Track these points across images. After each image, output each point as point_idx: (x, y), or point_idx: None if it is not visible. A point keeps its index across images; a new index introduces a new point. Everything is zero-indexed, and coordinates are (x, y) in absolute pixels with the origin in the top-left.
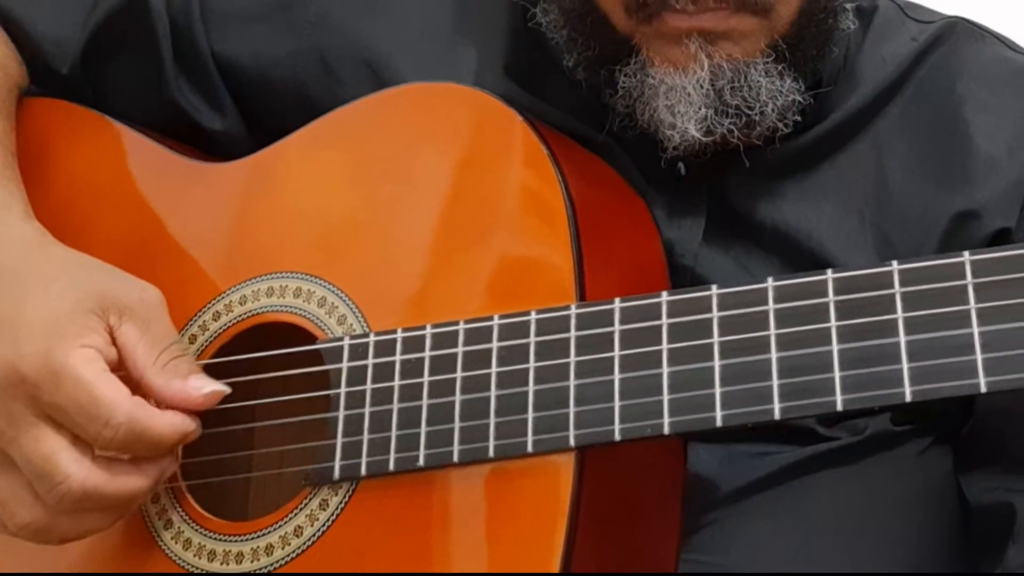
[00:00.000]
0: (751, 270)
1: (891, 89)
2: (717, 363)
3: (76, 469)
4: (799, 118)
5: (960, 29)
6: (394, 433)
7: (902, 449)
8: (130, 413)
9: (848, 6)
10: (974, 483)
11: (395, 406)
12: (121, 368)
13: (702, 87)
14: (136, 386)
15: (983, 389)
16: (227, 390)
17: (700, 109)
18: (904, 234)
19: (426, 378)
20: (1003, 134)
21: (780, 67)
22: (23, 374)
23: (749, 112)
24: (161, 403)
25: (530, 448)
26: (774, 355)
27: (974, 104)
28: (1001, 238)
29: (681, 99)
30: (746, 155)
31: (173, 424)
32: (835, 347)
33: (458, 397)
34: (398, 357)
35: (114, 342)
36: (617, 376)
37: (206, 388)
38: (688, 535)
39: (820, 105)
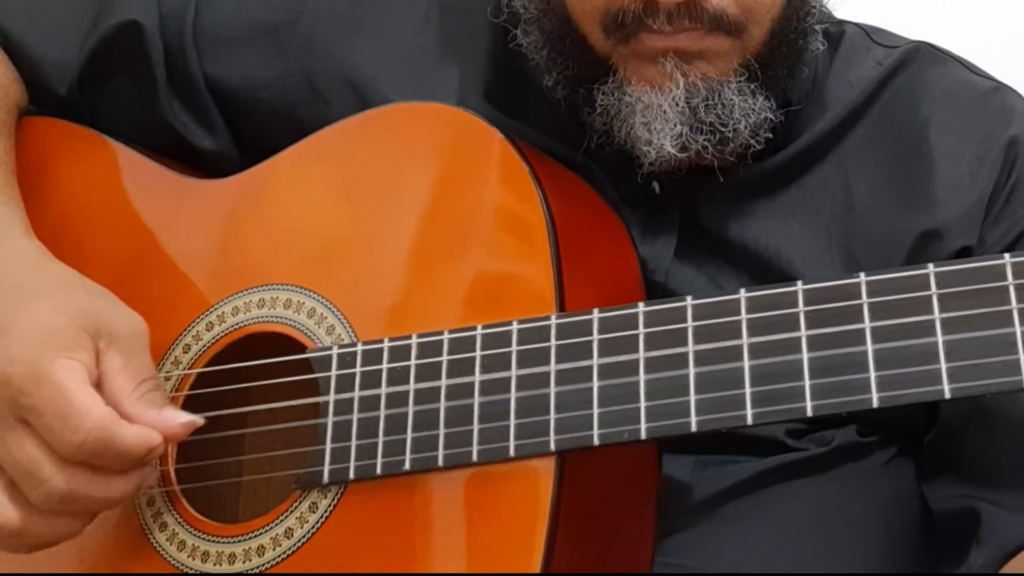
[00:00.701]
0: (721, 286)
1: (857, 112)
2: (692, 371)
3: (60, 468)
4: (771, 135)
5: (924, 53)
6: (381, 439)
7: (868, 459)
8: (100, 420)
9: (817, 28)
10: (937, 491)
11: (382, 412)
12: (99, 389)
13: (677, 105)
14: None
15: (947, 395)
16: (201, 422)
17: (676, 126)
18: (870, 252)
19: (412, 385)
20: (965, 156)
21: (752, 86)
22: (9, 377)
23: (723, 129)
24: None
25: (512, 453)
26: (746, 363)
27: (937, 127)
28: (963, 256)
29: (657, 116)
30: (715, 176)
31: (140, 436)
32: (805, 355)
33: (443, 404)
34: (385, 365)
35: (97, 364)
36: (596, 383)
37: (180, 419)
38: (662, 538)
39: (789, 127)
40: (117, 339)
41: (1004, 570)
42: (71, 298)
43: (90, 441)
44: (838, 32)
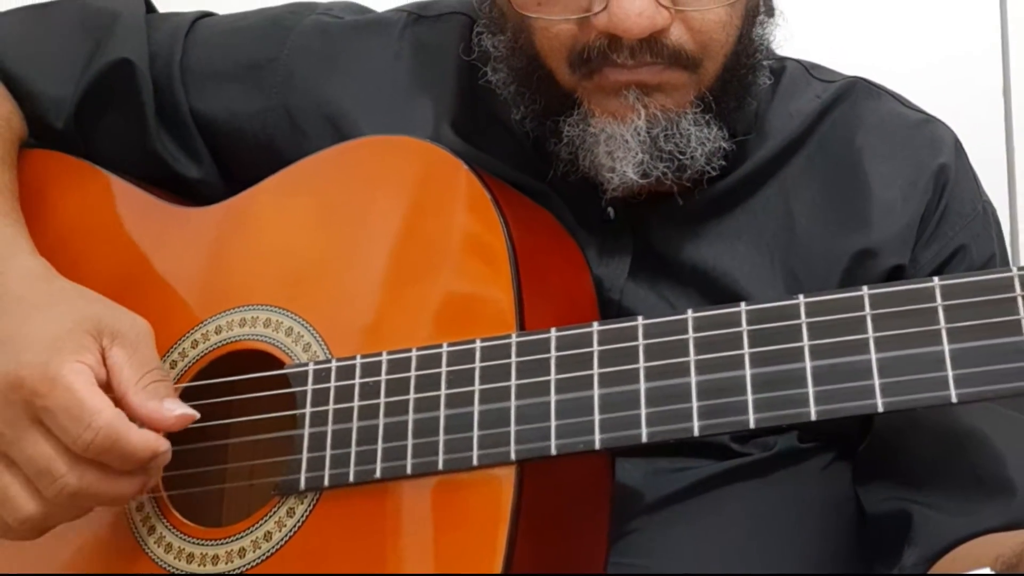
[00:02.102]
0: (672, 304)
1: (798, 141)
2: (642, 386)
3: (73, 465)
4: (724, 162)
5: (859, 88)
6: (353, 448)
7: (807, 464)
8: (110, 421)
9: (765, 63)
10: (871, 494)
11: (354, 424)
12: (108, 388)
13: (639, 135)
14: (118, 403)
15: (880, 409)
16: (196, 415)
17: (637, 154)
18: (810, 271)
19: (382, 399)
20: (898, 181)
21: (707, 117)
22: (22, 380)
23: (681, 157)
24: (137, 419)
25: (475, 462)
26: (693, 379)
27: (872, 155)
28: (896, 274)
29: (620, 146)
30: (667, 203)
31: (147, 440)
32: (748, 371)
33: (411, 416)
34: (357, 381)
35: (104, 363)
36: (553, 397)
37: (177, 411)
38: (616, 540)
39: (735, 155)
40: (120, 336)
41: (934, 569)
42: (73, 306)
43: (100, 439)
44: (779, 67)
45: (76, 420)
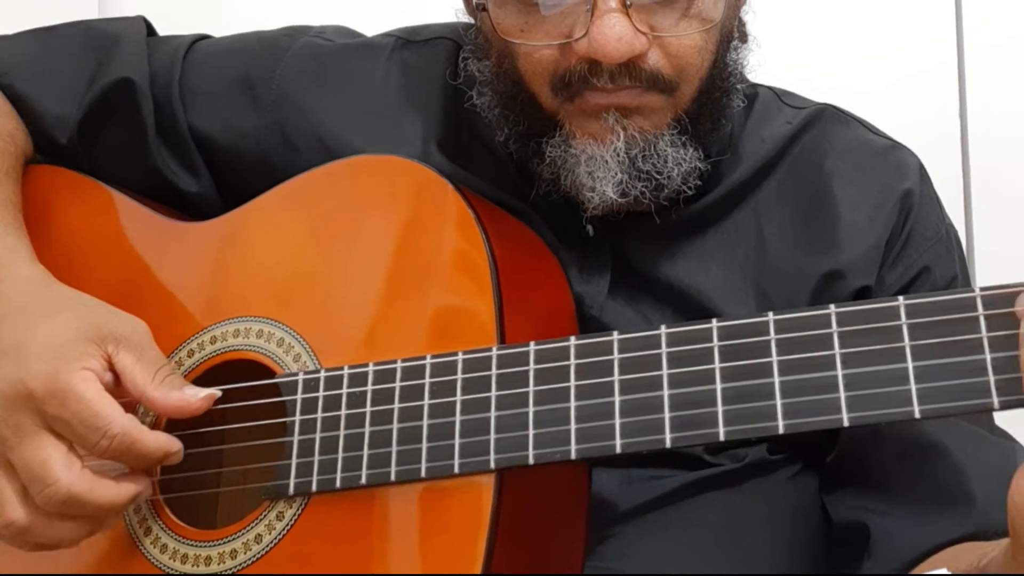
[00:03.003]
0: (649, 320)
1: (770, 165)
2: (617, 398)
3: (65, 475)
4: (700, 182)
5: (828, 114)
6: (340, 455)
7: (776, 474)
8: (124, 427)
9: (739, 87)
10: (836, 503)
11: (341, 432)
12: (115, 391)
13: (618, 155)
14: (134, 406)
15: (846, 423)
16: (219, 394)
17: (616, 174)
18: (780, 290)
19: (368, 408)
20: (865, 205)
21: (683, 138)
22: (31, 390)
23: (658, 177)
24: (162, 413)
25: (457, 470)
26: (666, 392)
27: (840, 179)
28: (863, 295)
29: (600, 166)
30: (644, 222)
31: (159, 441)
32: (719, 386)
33: (395, 425)
34: (344, 390)
35: (112, 368)
36: (532, 409)
37: (201, 394)
38: (593, 546)
39: (709, 177)
40: (124, 340)
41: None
42: (75, 313)
43: (116, 444)
44: (752, 93)
45: (93, 429)
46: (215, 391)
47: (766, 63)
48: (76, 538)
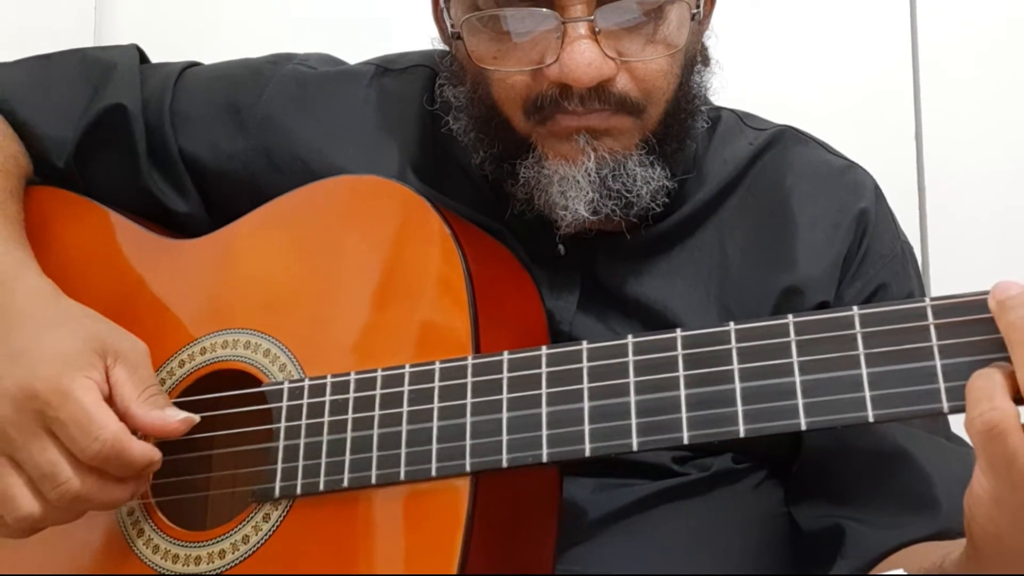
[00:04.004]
0: (617, 334)
1: (732, 185)
2: (586, 404)
3: (77, 473)
4: (667, 200)
5: (788, 135)
6: (324, 460)
7: (742, 483)
8: (115, 434)
9: (703, 109)
10: (805, 511)
11: (324, 438)
12: (111, 402)
13: (589, 175)
14: (122, 416)
15: (803, 427)
16: (197, 419)
17: (588, 193)
18: (742, 306)
19: (350, 415)
20: (822, 223)
21: (651, 158)
22: (36, 391)
23: (628, 195)
24: (141, 429)
25: (434, 473)
26: (632, 398)
27: (799, 198)
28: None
29: (572, 186)
30: (613, 241)
31: (145, 451)
32: (683, 392)
33: (376, 431)
34: (327, 398)
35: (107, 379)
36: (505, 415)
37: (179, 416)
38: (564, 550)
39: (674, 197)
40: (122, 356)
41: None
42: (80, 325)
43: (106, 450)
44: (716, 116)
45: (85, 432)
46: (194, 416)
47: (729, 86)
48: (74, 519)
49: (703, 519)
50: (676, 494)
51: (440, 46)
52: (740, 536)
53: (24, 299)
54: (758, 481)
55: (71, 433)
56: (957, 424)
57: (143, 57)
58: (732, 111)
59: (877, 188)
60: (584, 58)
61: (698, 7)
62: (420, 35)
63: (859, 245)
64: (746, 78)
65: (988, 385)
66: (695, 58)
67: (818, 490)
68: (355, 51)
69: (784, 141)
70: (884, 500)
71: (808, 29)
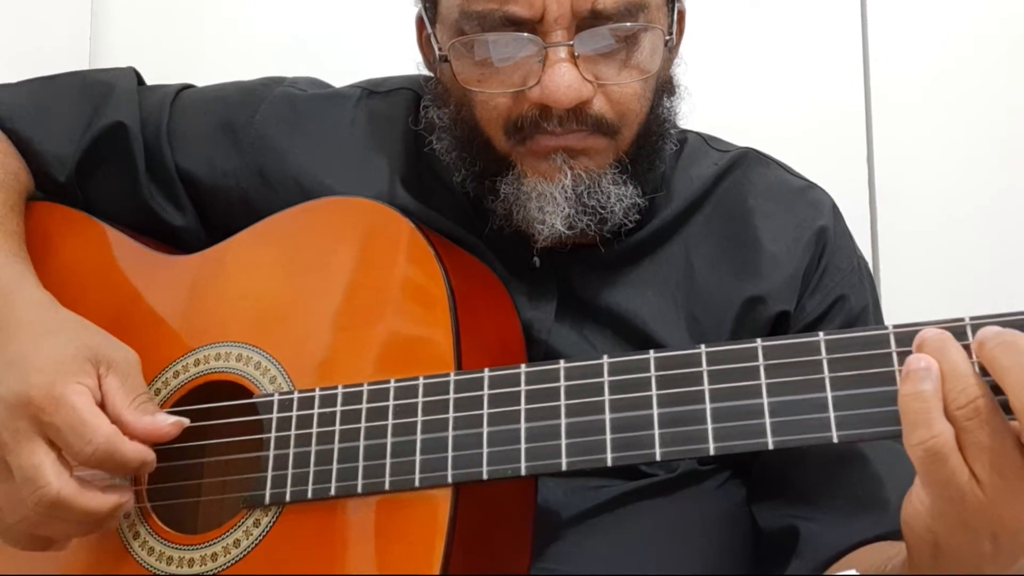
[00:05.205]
0: (592, 343)
1: (698, 202)
2: (563, 421)
3: (55, 479)
4: (639, 216)
5: (750, 156)
6: (312, 469)
7: (706, 483)
8: (108, 436)
9: (672, 131)
10: (763, 511)
11: (313, 448)
12: (103, 408)
13: (566, 192)
14: (114, 423)
15: (770, 447)
16: (187, 421)
17: (564, 209)
18: (708, 315)
19: (337, 427)
20: (783, 238)
21: (624, 177)
22: (31, 397)
23: (602, 211)
24: (133, 434)
25: (417, 483)
26: (607, 416)
27: (761, 214)
28: (782, 319)
29: (549, 202)
30: (587, 254)
31: (138, 450)
32: (655, 411)
33: (362, 442)
34: (316, 410)
35: (100, 387)
36: (485, 429)
37: (170, 420)
38: (540, 549)
39: (645, 213)
40: (114, 365)
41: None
42: (76, 334)
43: (100, 451)
44: (682, 138)
45: (79, 435)
46: (184, 419)
47: (696, 110)
48: (65, 537)
49: (670, 518)
50: (645, 494)
51: (423, 70)
52: (704, 534)
53: (23, 309)
54: (721, 482)
55: (66, 437)
56: None
57: (140, 79)
58: (698, 134)
59: (834, 206)
60: (564, 80)
61: (670, 34)
62: (404, 60)
63: (819, 260)
64: (711, 104)
65: (924, 408)
66: (666, 84)
67: (776, 490)
68: (341, 75)
69: (747, 162)
70: (837, 500)
71: (769, 59)
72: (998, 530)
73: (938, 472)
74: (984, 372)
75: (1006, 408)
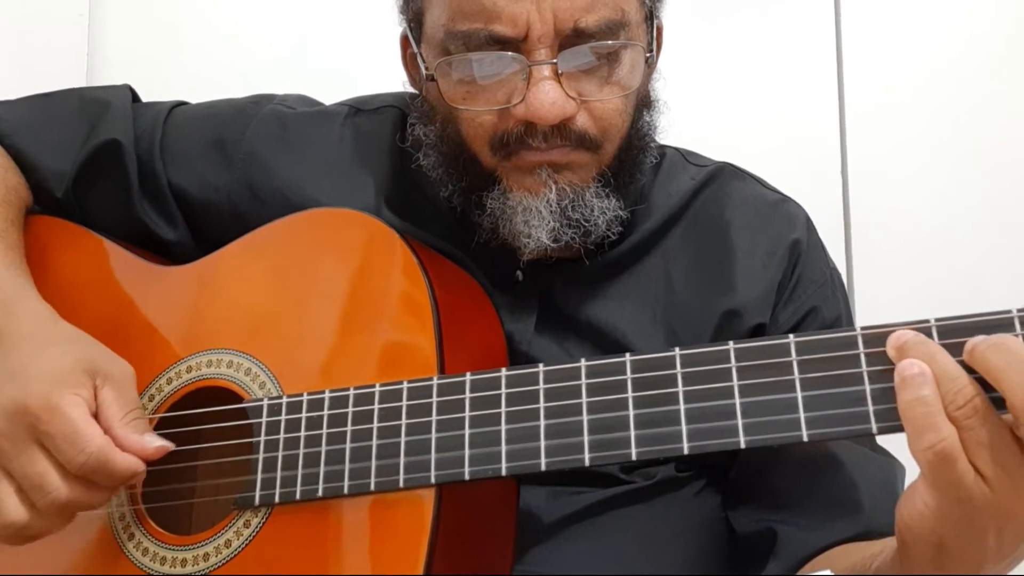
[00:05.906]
0: (572, 353)
1: (676, 216)
2: (543, 422)
3: (65, 483)
4: (621, 228)
5: (727, 171)
6: (300, 471)
7: (684, 490)
8: (100, 446)
9: (652, 146)
10: (740, 516)
11: (301, 451)
12: (97, 419)
13: (551, 206)
14: (105, 434)
15: (743, 446)
16: (171, 446)
17: (549, 222)
18: (686, 327)
19: (324, 430)
20: (759, 251)
21: (607, 190)
22: (28, 406)
23: (586, 224)
24: (121, 449)
25: (401, 484)
26: (585, 417)
27: (738, 228)
28: (759, 332)
29: (534, 216)
30: (568, 268)
31: (129, 462)
32: (631, 412)
33: (348, 445)
34: (304, 414)
35: (95, 398)
36: (467, 431)
37: (155, 443)
38: (521, 553)
39: (625, 226)
40: (110, 378)
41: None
42: (74, 346)
43: (91, 461)
44: (661, 153)
45: (72, 445)
46: (169, 444)
47: (675, 125)
48: (63, 527)
49: (648, 523)
50: (624, 500)
51: (409, 88)
52: (682, 538)
53: (24, 321)
54: (699, 488)
55: (59, 446)
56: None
57: (135, 96)
58: (676, 149)
59: (808, 220)
60: (548, 97)
61: (650, 51)
62: (390, 78)
63: (792, 272)
64: (688, 119)
65: (928, 413)
66: (646, 99)
67: (752, 495)
68: (328, 93)
69: (723, 176)
70: (813, 503)
71: (744, 74)
72: (1003, 524)
73: (948, 474)
74: (969, 371)
75: (997, 404)
